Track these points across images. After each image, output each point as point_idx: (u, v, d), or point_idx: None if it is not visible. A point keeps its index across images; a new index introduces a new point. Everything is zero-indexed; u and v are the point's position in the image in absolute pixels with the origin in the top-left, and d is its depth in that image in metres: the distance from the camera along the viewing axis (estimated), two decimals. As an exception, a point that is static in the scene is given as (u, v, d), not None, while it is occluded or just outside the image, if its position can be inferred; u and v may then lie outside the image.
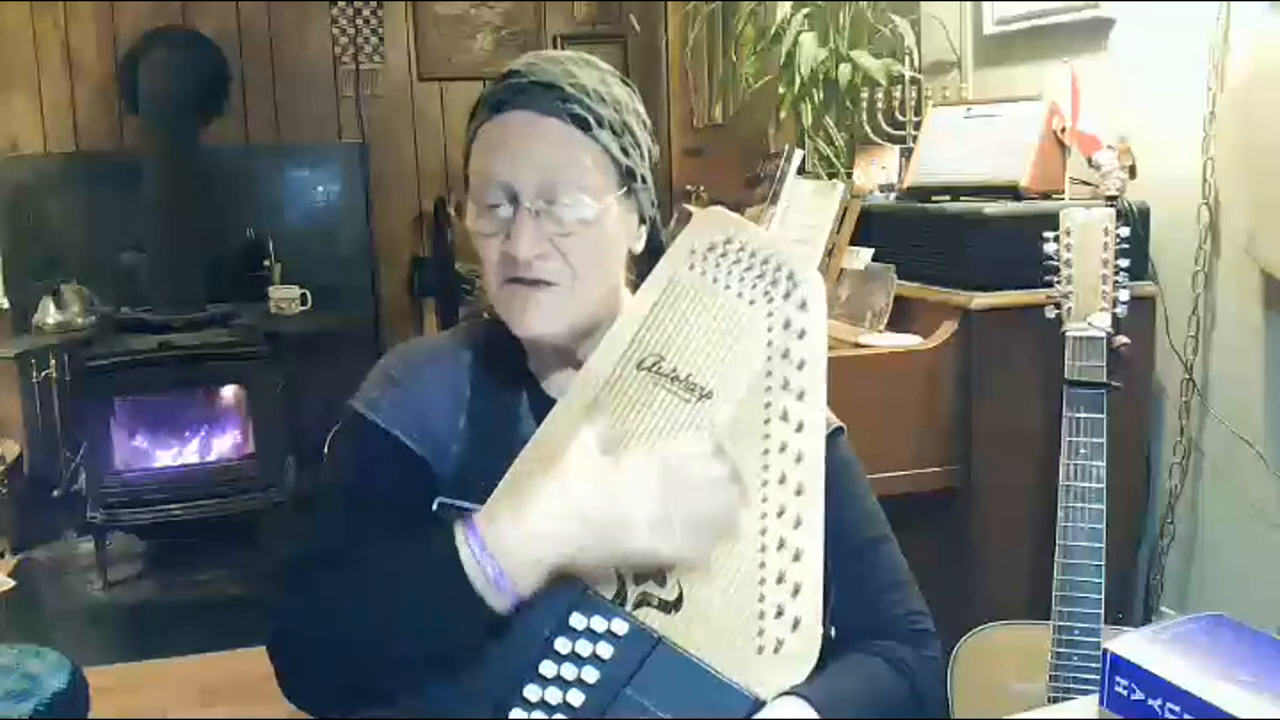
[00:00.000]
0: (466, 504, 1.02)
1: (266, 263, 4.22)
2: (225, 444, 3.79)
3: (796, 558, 0.99)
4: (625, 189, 1.07)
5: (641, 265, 1.12)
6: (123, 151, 4.18)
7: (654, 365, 1.04)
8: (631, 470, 0.94)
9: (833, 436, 1.09)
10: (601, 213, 1.04)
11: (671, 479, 0.94)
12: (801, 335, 1.04)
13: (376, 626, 0.96)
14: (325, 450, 4.15)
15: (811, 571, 0.99)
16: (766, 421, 1.02)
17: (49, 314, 3.77)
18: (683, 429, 1.02)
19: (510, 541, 0.92)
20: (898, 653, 1.06)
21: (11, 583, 3.51)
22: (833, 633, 1.02)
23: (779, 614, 0.98)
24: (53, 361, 3.95)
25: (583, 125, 1.04)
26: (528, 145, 1.03)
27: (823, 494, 1.01)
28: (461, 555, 0.92)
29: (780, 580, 0.98)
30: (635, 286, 1.10)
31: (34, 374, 3.99)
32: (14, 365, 3.99)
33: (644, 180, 1.10)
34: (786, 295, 1.06)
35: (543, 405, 1.08)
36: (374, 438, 1.07)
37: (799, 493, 1.01)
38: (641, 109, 1.11)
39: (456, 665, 0.95)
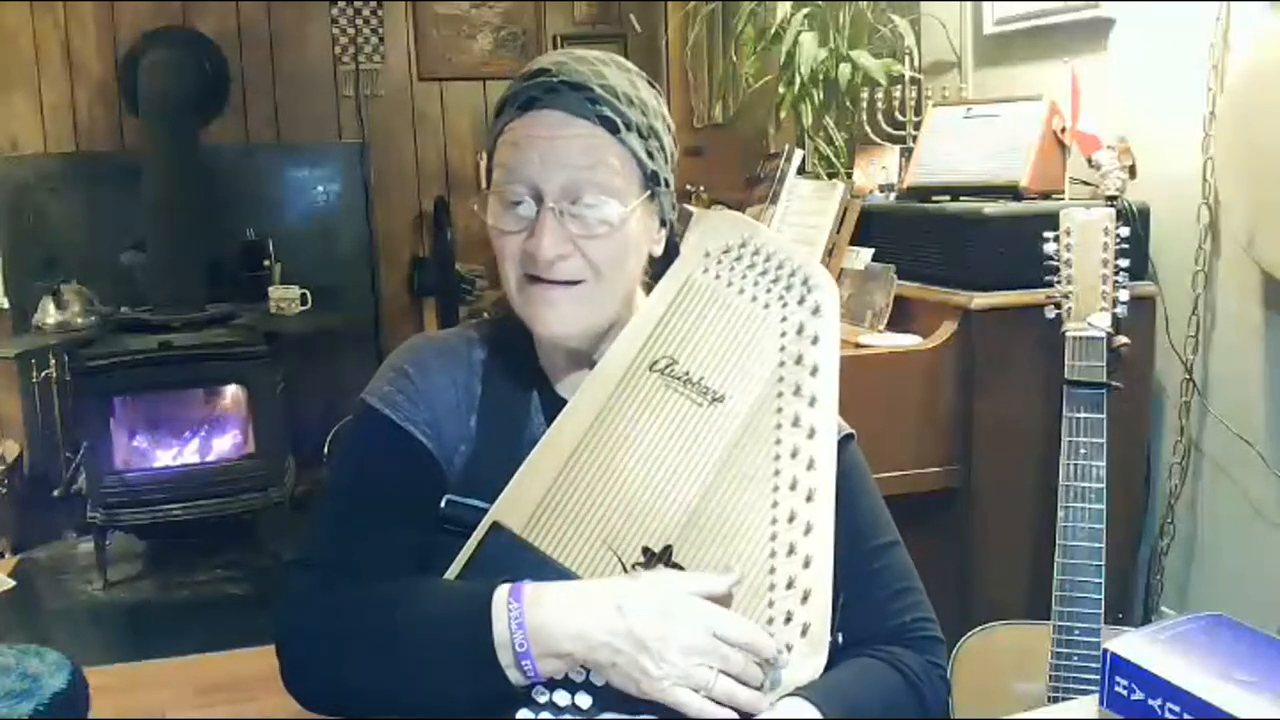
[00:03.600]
0: (475, 502, 1.02)
1: (266, 263, 4.22)
2: (225, 444, 3.79)
3: (806, 564, 0.99)
4: (649, 192, 1.07)
5: (656, 266, 1.12)
6: (123, 151, 4.19)
7: (667, 368, 1.04)
8: (690, 616, 0.92)
9: (843, 442, 1.09)
10: (625, 216, 1.04)
11: (723, 644, 0.92)
12: (815, 341, 1.05)
13: (388, 653, 0.96)
14: (326, 450, 4.16)
15: (821, 578, 0.99)
16: (778, 427, 1.03)
17: (49, 314, 3.77)
18: (694, 433, 1.02)
19: (549, 628, 0.91)
20: (903, 658, 1.05)
21: (11, 583, 3.51)
22: (840, 639, 1.02)
23: (788, 619, 0.98)
24: (53, 361, 3.95)
25: (611, 128, 1.03)
26: (555, 145, 1.02)
27: (833, 500, 1.01)
28: (494, 619, 0.92)
29: (790, 586, 0.98)
30: (650, 287, 1.10)
31: (34, 374, 3.99)
32: (14, 365, 3.99)
33: (667, 184, 1.10)
34: (801, 300, 1.06)
35: (554, 405, 1.08)
36: (387, 433, 1.06)
37: (809, 499, 1.01)
38: (666, 112, 1.11)
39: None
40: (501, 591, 0.93)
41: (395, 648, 0.95)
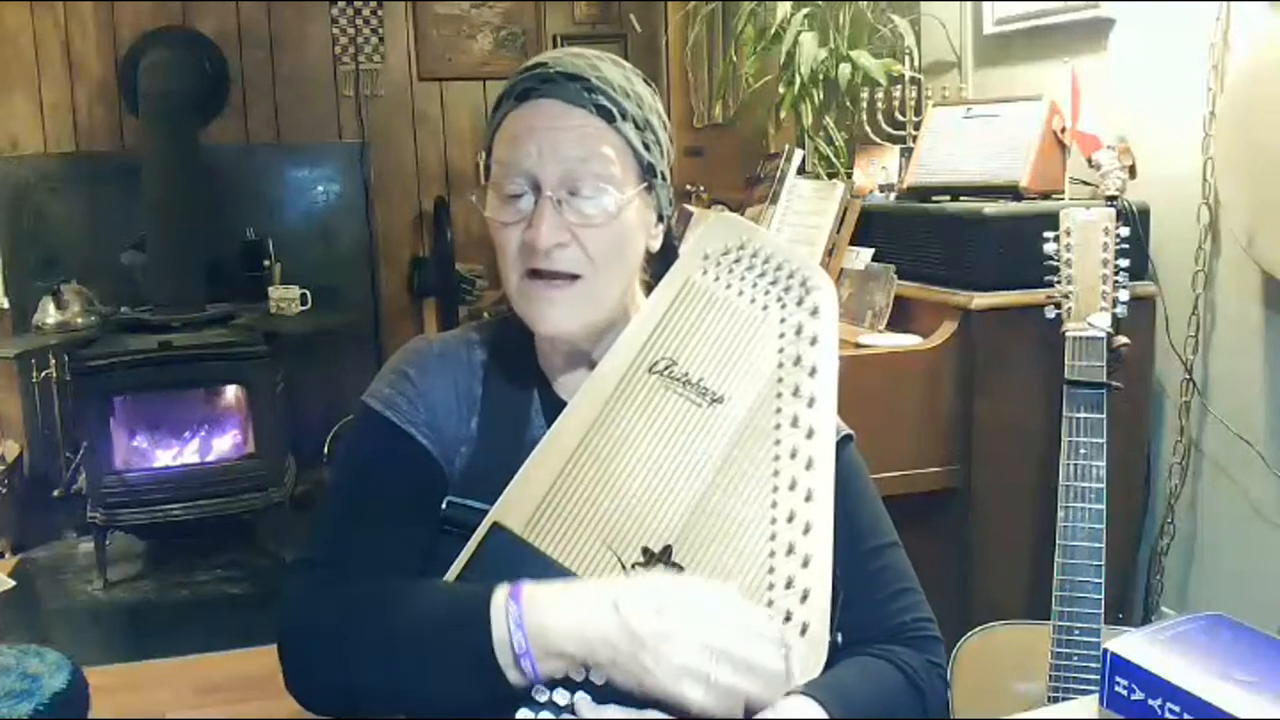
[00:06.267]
0: (476, 503, 1.02)
1: (266, 263, 4.22)
2: (225, 444, 3.79)
3: (805, 563, 0.99)
4: (646, 184, 1.08)
5: (655, 266, 1.12)
6: (123, 151, 4.19)
7: (666, 369, 1.04)
8: (689, 610, 0.92)
9: (842, 443, 1.09)
10: (623, 205, 1.04)
11: (724, 634, 0.91)
12: (813, 342, 1.05)
13: (388, 654, 0.95)
14: (326, 450, 4.17)
15: (820, 577, 0.99)
16: (777, 427, 1.03)
17: (49, 314, 3.77)
18: (694, 434, 1.02)
19: (548, 628, 0.91)
20: (903, 656, 1.06)
21: (11, 583, 3.51)
22: (839, 638, 1.02)
23: (787, 619, 0.97)
24: (53, 361, 3.95)
25: (608, 117, 1.04)
26: (553, 134, 1.03)
27: (832, 500, 1.01)
28: (493, 620, 0.92)
29: (789, 585, 0.98)
30: (649, 288, 1.10)
31: (34, 374, 3.99)
32: (14, 365, 3.99)
33: (664, 178, 1.10)
34: (799, 301, 1.07)
35: (554, 406, 1.08)
36: (389, 435, 1.07)
37: (809, 499, 1.01)
38: (661, 109, 1.11)
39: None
40: (500, 593, 0.93)
41: (395, 649, 0.95)
